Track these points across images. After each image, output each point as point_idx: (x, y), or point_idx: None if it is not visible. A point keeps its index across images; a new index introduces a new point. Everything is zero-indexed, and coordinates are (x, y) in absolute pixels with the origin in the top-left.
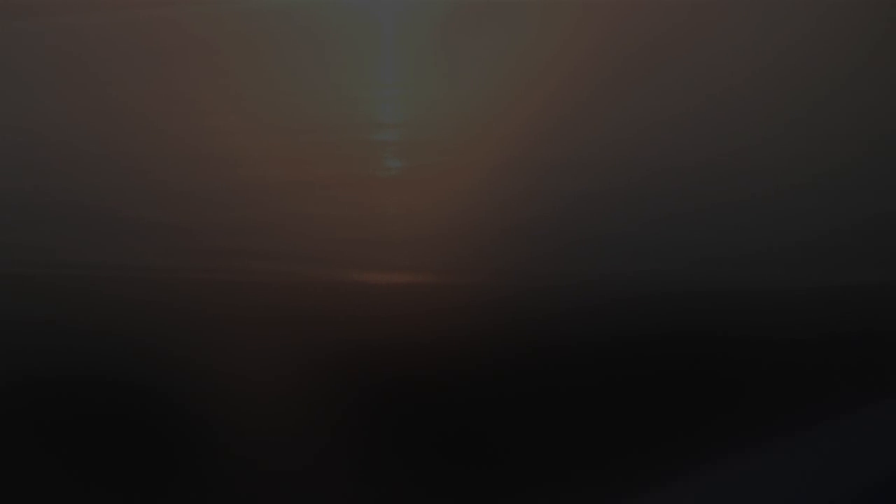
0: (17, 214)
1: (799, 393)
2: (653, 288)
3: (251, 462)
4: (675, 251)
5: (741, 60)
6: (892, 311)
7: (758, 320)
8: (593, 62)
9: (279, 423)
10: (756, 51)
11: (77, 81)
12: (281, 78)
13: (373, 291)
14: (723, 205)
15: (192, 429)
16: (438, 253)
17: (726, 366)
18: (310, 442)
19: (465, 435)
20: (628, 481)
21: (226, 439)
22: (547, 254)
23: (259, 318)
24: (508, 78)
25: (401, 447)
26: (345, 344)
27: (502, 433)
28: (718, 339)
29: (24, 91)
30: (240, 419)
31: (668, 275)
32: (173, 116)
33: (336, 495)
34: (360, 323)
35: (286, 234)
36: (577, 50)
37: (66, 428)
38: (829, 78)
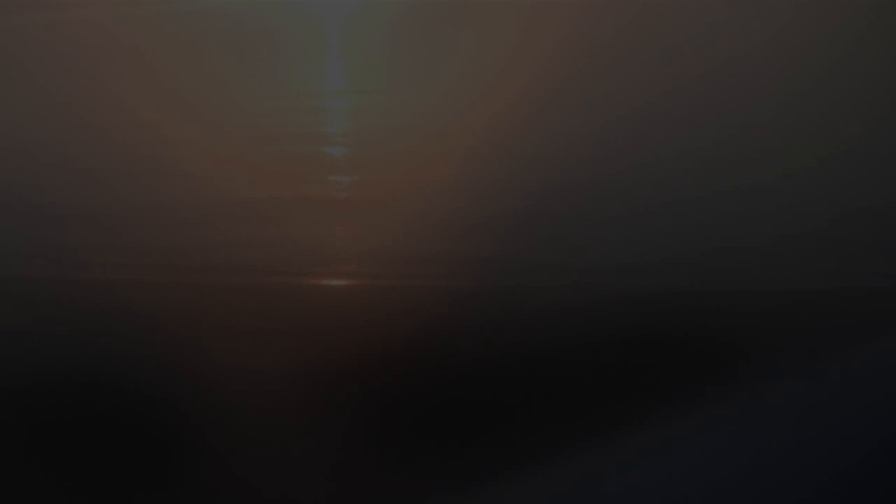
0: None
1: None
2: (617, 288)
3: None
4: (634, 251)
5: (707, 54)
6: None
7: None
8: (548, 63)
9: (252, 429)
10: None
11: (11, 85)
12: (226, 84)
13: (342, 297)
14: (681, 203)
15: (164, 435)
16: (394, 257)
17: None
18: (280, 447)
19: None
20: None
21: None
22: (507, 257)
23: (229, 326)
24: (460, 82)
25: (372, 450)
26: (315, 349)
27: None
28: (675, 340)
29: None
30: (212, 424)
31: (629, 274)
32: (118, 124)
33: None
34: (330, 329)
35: (245, 246)
36: (529, 53)
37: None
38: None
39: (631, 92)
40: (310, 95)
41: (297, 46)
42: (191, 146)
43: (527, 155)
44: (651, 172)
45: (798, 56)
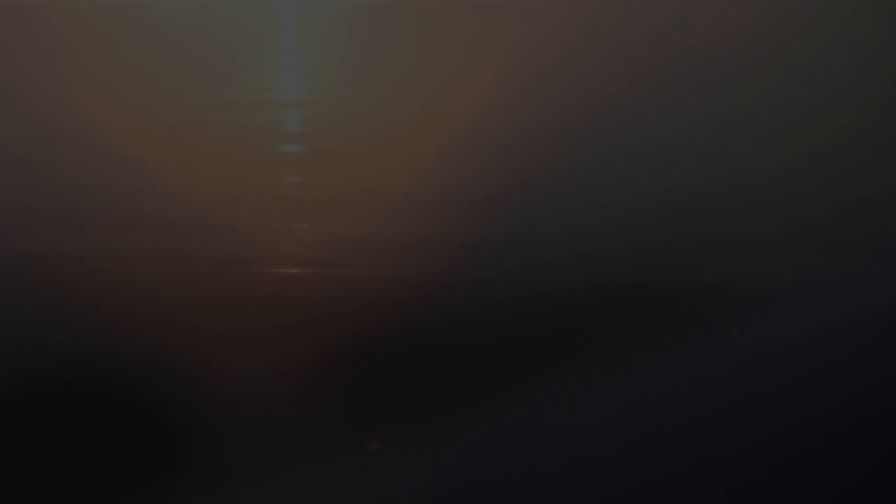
0: None
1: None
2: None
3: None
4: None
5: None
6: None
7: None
8: (509, 59)
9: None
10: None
11: None
12: (172, 77)
13: (293, 283)
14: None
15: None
16: (355, 247)
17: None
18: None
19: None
20: None
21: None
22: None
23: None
24: (420, 79)
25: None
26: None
27: None
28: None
29: None
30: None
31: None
32: (64, 117)
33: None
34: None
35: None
36: (489, 50)
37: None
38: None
39: (598, 84)
40: (267, 91)
41: (253, 41)
42: (137, 139)
43: (490, 148)
44: (613, 165)
45: (765, 53)
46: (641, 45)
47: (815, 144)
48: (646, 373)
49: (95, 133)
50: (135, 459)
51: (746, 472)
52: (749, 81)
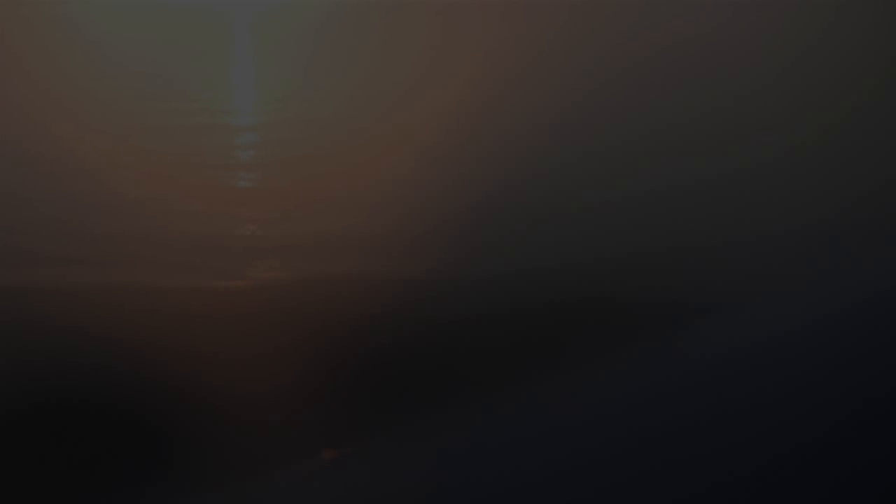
0: None
1: None
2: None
3: None
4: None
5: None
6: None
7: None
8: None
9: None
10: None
11: None
12: (128, 99)
13: (248, 296)
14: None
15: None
16: (297, 258)
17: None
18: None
19: None
20: None
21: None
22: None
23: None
24: (374, 83)
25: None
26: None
27: None
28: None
29: None
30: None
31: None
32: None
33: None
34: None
35: (152, 244)
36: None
37: None
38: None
39: (564, 92)
40: (224, 113)
41: (208, 56)
42: (90, 169)
43: (448, 173)
44: (589, 171)
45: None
46: (617, 44)
47: (795, 146)
48: (634, 372)
49: (54, 166)
50: (131, 465)
51: (740, 467)
52: (725, 83)
